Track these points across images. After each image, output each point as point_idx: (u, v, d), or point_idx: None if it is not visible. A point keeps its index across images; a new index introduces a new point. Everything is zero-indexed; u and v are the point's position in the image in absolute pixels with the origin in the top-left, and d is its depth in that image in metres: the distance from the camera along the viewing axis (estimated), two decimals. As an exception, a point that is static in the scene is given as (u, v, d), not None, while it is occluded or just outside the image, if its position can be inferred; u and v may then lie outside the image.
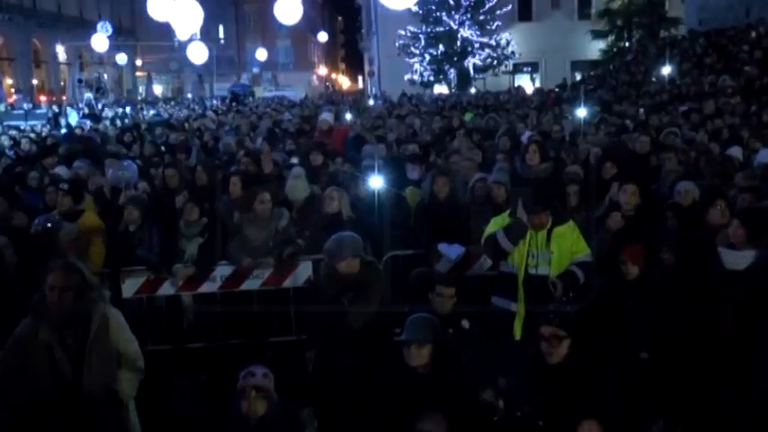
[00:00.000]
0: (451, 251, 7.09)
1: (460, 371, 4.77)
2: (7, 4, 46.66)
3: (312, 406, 5.07)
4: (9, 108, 34.92)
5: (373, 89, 46.73)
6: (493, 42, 41.54)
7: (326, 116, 13.54)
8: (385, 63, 45.23)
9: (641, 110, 16.23)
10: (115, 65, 51.71)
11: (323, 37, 59.17)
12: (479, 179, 7.96)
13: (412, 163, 8.77)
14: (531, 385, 4.49)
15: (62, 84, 54.47)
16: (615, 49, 38.52)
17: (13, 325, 4.55)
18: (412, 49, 41.97)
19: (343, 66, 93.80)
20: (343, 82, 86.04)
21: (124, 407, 4.58)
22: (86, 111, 23.54)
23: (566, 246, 5.84)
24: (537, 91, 29.32)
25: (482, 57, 41.53)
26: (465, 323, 5.55)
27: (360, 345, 5.06)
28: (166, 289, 7.12)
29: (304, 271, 7.13)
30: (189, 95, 48.67)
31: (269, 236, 7.28)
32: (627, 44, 38.31)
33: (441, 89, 41.77)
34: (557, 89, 29.22)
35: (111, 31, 43.39)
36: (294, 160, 9.77)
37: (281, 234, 7.26)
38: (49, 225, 6.65)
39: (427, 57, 41.68)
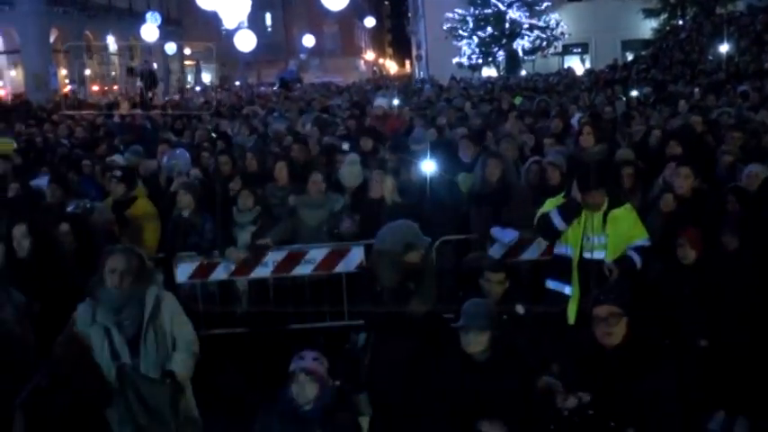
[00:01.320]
0: (505, 235, 7.01)
1: (517, 357, 4.68)
2: (62, -3, 47.73)
3: (367, 392, 5.03)
4: (63, 98, 35.61)
5: (421, 73, 46.54)
6: (542, 23, 40.86)
7: (381, 102, 13.46)
8: (433, 47, 44.89)
9: (697, 90, 15.81)
10: (164, 54, 52.35)
11: (370, 22, 59.06)
12: (534, 161, 7.84)
13: (468, 141, 8.67)
14: (587, 371, 4.38)
15: (113, 74, 55.52)
16: (668, 28, 37.49)
17: (73, 308, 4.64)
18: (460, 31, 41.53)
19: (390, 50, 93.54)
20: (391, 67, 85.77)
21: (180, 389, 4.62)
22: (137, 99, 23.83)
23: (622, 229, 5.67)
24: (587, 72, 28.83)
25: (531, 38, 40.87)
26: (520, 308, 5.45)
27: (417, 332, 5.00)
28: (219, 274, 7.18)
29: (356, 256, 7.11)
30: (237, 83, 49.00)
31: (323, 218, 7.30)
32: (681, 22, 37.26)
33: (489, 72, 41.34)
34: (607, 69, 28.67)
35: (160, 20, 43.98)
36: (345, 146, 9.74)
37: (336, 218, 7.29)
38: (78, 210, 6.77)
39: (475, 39, 41.19)
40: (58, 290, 5.22)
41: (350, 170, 7.90)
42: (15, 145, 12.26)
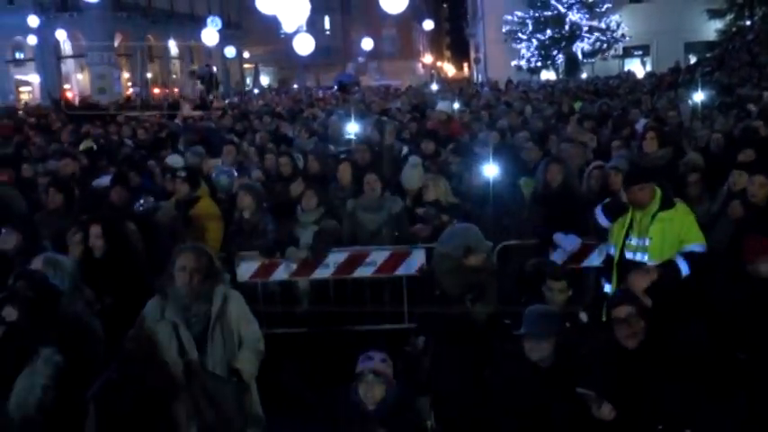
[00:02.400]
0: (567, 242, 6.92)
1: (580, 365, 4.62)
2: (125, 3, 49.02)
3: (428, 395, 5.03)
4: (126, 100, 36.57)
5: (479, 76, 46.26)
6: (602, 25, 40.32)
7: (444, 106, 13.42)
8: (491, 49, 44.65)
9: (766, 93, 15.35)
10: (223, 57, 53.19)
11: (428, 25, 58.83)
12: (596, 166, 7.73)
13: (531, 145, 8.59)
14: (609, 374, 4.29)
15: (174, 77, 56.73)
16: (734, 29, 36.51)
17: (142, 305, 4.74)
18: (519, 34, 41.26)
19: (448, 53, 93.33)
20: (449, 69, 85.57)
21: (246, 386, 4.68)
22: (198, 102, 24.27)
23: (671, 232, 5.43)
24: (648, 75, 28.27)
25: (591, 41, 40.36)
26: (583, 316, 5.39)
27: (478, 337, 4.98)
28: (280, 274, 7.27)
29: (417, 259, 7.12)
30: (295, 86, 49.56)
31: (382, 221, 7.33)
32: (748, 22, 36.24)
33: (548, 75, 40.92)
34: (670, 72, 28.07)
35: (220, 25, 44.66)
36: (405, 149, 9.76)
37: (395, 220, 7.29)
38: (145, 209, 6.89)
39: (534, 42, 40.88)
40: (129, 287, 5.36)
41: (411, 173, 7.91)
42: (95, 146, 12.55)
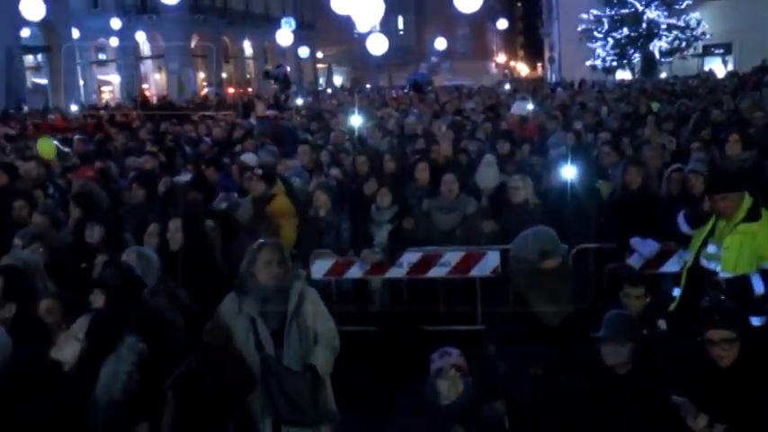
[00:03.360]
0: (645, 246, 6.74)
1: (659, 373, 4.51)
2: (202, 5, 50.28)
3: (503, 398, 4.98)
4: (204, 99, 37.47)
5: (553, 76, 45.66)
6: (681, 23, 39.20)
7: (520, 106, 13.32)
8: (566, 49, 43.98)
9: None
10: (297, 57, 53.86)
11: (502, 24, 58.34)
12: (675, 169, 7.53)
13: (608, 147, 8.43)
14: (700, 388, 4.14)
15: (248, 77, 57.81)
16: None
17: (219, 298, 4.83)
18: (594, 33, 40.49)
19: (521, 53, 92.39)
20: (522, 69, 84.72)
21: (321, 382, 4.71)
22: (272, 101, 24.62)
23: (751, 246, 5.15)
24: (730, 74, 27.37)
25: (669, 39, 39.28)
26: (662, 323, 5.26)
27: (553, 341, 4.90)
28: (354, 272, 7.31)
29: (491, 261, 7.06)
30: (368, 86, 49.80)
31: (456, 221, 7.29)
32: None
33: (623, 75, 40.04)
34: (754, 72, 27.08)
35: (294, 26, 45.30)
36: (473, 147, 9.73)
37: (469, 221, 7.25)
38: (225, 206, 7.01)
39: (610, 41, 40.04)
40: (206, 280, 5.48)
41: (487, 172, 7.86)
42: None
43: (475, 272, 7.14)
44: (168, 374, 4.48)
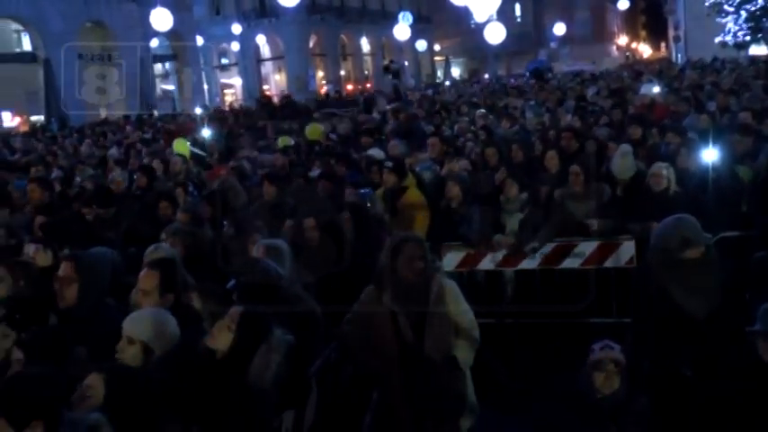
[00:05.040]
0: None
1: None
2: (320, 5, 51.38)
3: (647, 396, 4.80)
4: (325, 97, 38.30)
5: (678, 56, 43.75)
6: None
7: (647, 89, 12.84)
8: (692, 26, 42.10)
9: None
10: (414, 51, 54.13)
11: (623, 5, 56.44)
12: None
13: (740, 135, 7.97)
14: None
15: (365, 73, 58.58)
16: None
17: (357, 290, 4.88)
18: (725, 6, 38.31)
19: (643, 33, 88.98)
20: (644, 50, 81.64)
21: (462, 374, 4.69)
22: (392, 95, 24.85)
23: None
24: None
25: (809, 9, 36.75)
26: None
27: (699, 336, 4.67)
28: (486, 264, 7.23)
29: (626, 251, 6.84)
30: (485, 76, 49.39)
31: (588, 210, 7.10)
32: None
33: (758, 50, 37.74)
34: None
35: (411, 20, 45.49)
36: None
37: (603, 210, 7.05)
38: (360, 199, 7.11)
39: (743, 14, 37.75)
40: (344, 272, 5.57)
41: (622, 162, 7.55)
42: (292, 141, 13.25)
43: (610, 263, 6.92)
44: (310, 364, 4.58)
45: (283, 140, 12.19)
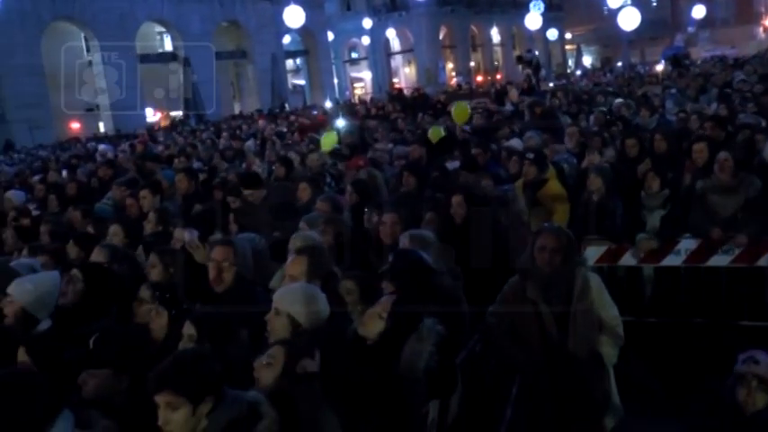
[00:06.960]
0: None
1: None
2: (448, -2, 51.50)
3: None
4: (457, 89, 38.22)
5: None
6: None
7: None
8: None
9: None
10: (545, 40, 53.05)
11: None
12: None
13: None
14: None
15: (495, 63, 58.00)
16: None
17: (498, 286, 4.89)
18: None
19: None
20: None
21: (606, 372, 4.62)
22: (525, 86, 24.49)
23: None
24: None
25: None
26: None
27: None
28: (627, 259, 7.03)
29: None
30: (619, 64, 47.76)
31: (737, 204, 6.74)
32: None
33: None
34: None
35: (543, 8, 44.68)
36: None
37: (752, 205, 6.68)
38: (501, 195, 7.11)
39: None
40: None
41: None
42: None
43: (763, 261, 6.55)
44: (456, 354, 4.63)
45: (435, 131, 12.15)
